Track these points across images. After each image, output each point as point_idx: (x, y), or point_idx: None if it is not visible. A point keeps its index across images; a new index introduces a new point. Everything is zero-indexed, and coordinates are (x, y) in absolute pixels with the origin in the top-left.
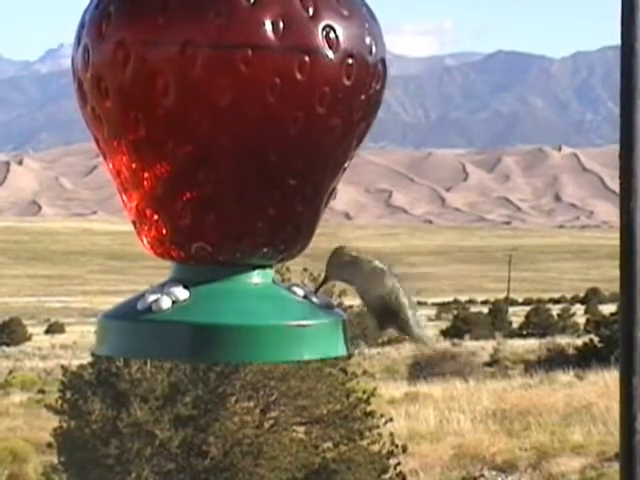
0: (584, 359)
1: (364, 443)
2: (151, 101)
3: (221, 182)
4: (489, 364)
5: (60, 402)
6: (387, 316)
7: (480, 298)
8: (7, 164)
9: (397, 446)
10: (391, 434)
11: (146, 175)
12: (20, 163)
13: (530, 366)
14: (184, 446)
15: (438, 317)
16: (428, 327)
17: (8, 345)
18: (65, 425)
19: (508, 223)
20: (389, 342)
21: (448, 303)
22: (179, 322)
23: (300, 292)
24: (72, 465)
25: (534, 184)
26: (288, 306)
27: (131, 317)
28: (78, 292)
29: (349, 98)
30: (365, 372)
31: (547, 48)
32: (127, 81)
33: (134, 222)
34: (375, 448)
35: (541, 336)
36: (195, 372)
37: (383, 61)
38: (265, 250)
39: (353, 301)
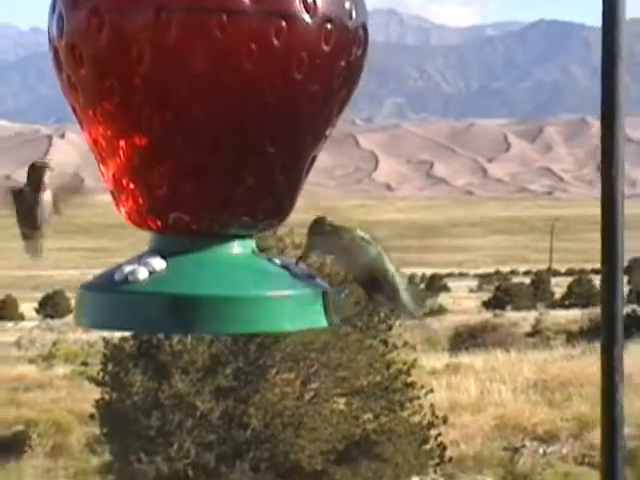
0: (626, 329)
1: (405, 414)
2: (126, 68)
3: (198, 151)
4: (531, 335)
5: (102, 374)
6: (374, 284)
7: (522, 269)
8: (49, 137)
9: (438, 417)
10: (432, 405)
11: (122, 144)
12: (62, 136)
13: (572, 337)
14: (225, 417)
15: (480, 288)
16: (418, 299)
17: (52, 318)
18: (107, 397)
19: (550, 193)
20: (430, 313)
21: (490, 274)
22: (154, 293)
23: (283, 262)
24: (114, 436)
25: (576, 154)
26: (268, 276)
27: (108, 288)
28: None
29: (328, 64)
30: (406, 343)
31: (587, 16)
32: (101, 48)
33: (112, 192)
34: (416, 419)
35: (583, 306)
36: (235, 344)
37: (364, 26)
38: (244, 220)
39: None
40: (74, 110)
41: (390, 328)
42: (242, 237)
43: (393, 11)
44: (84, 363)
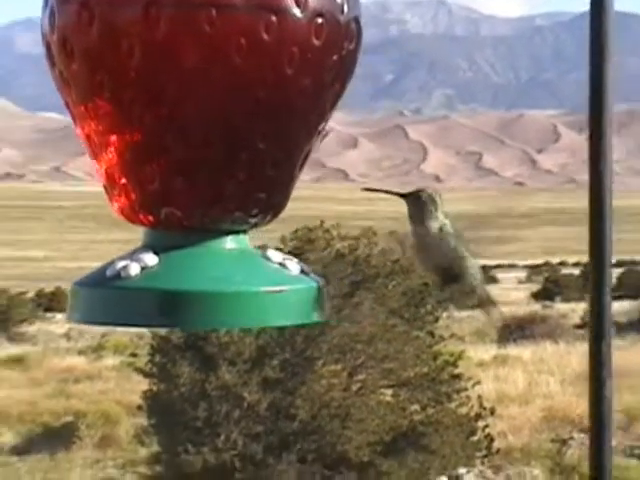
0: None
1: (452, 406)
2: (117, 63)
3: (188, 146)
4: (580, 326)
5: (150, 366)
6: (452, 274)
7: (571, 260)
8: None
9: (485, 409)
10: (479, 397)
11: (114, 139)
12: None
13: (622, 328)
14: (272, 409)
15: (529, 280)
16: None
17: None
18: (155, 388)
19: None
20: (479, 305)
21: (539, 266)
22: (146, 289)
23: (275, 258)
24: (162, 427)
25: (627, 144)
26: (262, 272)
27: (99, 284)
28: None
29: (319, 58)
30: (453, 335)
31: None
32: (92, 42)
33: (105, 187)
34: (463, 411)
35: (634, 298)
36: (282, 335)
37: (357, 20)
38: (237, 215)
39: None
40: (67, 106)
41: (437, 320)
42: (235, 232)
43: (442, 2)
44: (133, 354)
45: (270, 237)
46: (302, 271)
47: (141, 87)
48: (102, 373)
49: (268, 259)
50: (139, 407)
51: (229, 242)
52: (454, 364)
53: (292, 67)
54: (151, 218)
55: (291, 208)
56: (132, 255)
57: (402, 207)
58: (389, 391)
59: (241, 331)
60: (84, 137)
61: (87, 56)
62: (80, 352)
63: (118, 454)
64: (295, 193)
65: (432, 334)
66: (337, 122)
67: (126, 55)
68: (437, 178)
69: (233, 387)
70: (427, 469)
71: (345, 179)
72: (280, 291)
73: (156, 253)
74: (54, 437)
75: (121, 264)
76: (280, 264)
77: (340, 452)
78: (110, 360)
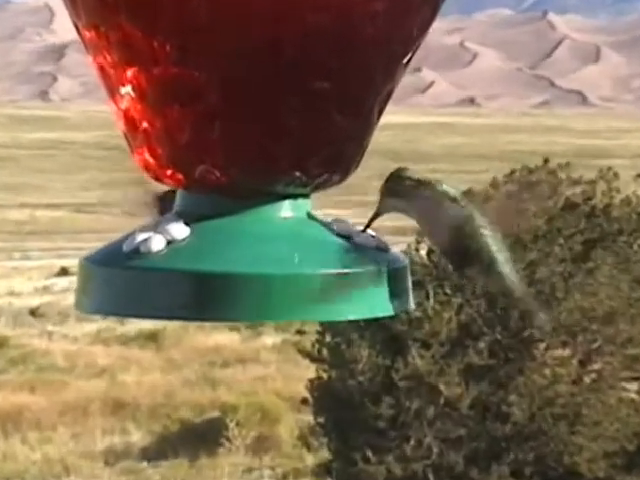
0: None
1: None
2: None
3: (226, 85)
4: None
5: (318, 347)
6: (463, 254)
7: None
8: None
9: None
10: None
11: (132, 74)
12: None
13: None
14: (477, 406)
15: None
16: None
17: None
18: (325, 376)
19: None
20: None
21: None
22: (170, 269)
23: (344, 230)
24: (333, 428)
25: None
26: (322, 249)
27: (111, 262)
28: (356, 203)
29: None
30: None
31: None
32: None
33: (125, 135)
34: None
35: None
36: (492, 309)
37: None
38: (292, 174)
39: None
40: (76, 29)
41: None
42: (292, 197)
43: None
44: (299, 332)
45: (474, 179)
46: (379, 248)
47: (164, 8)
48: (260, 355)
49: (334, 232)
50: (304, 401)
51: (284, 209)
52: None
53: None
54: (181, 177)
55: (508, 142)
56: (156, 225)
57: None
58: (634, 386)
59: (437, 303)
60: (98, 70)
61: None
62: (232, 328)
63: (277, 461)
64: (505, 121)
65: None
66: (572, 27)
67: None
68: None
69: (426, 376)
70: None
71: (581, 103)
72: (348, 274)
73: (187, 223)
74: (196, 437)
75: (142, 236)
76: (349, 238)
77: (567, 464)
78: (269, 338)
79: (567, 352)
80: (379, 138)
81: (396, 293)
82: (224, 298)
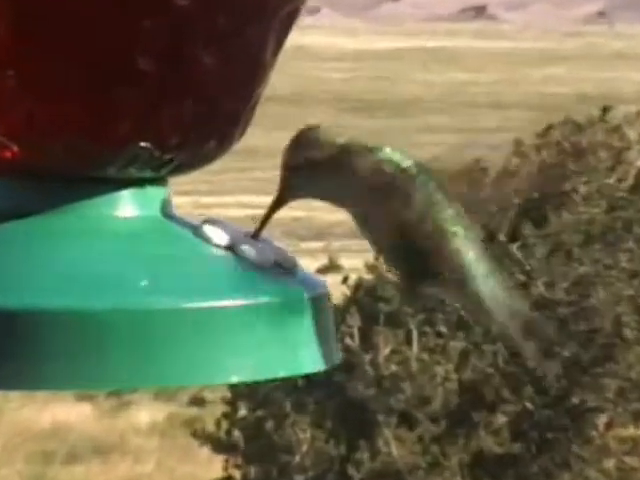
0: None
1: None
2: None
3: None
4: None
5: (226, 427)
6: (420, 262)
7: None
8: None
9: None
10: None
11: None
12: None
13: None
14: None
15: None
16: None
17: None
18: (238, 475)
19: None
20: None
21: None
22: None
23: (222, 237)
24: None
25: None
26: (190, 267)
27: None
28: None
29: None
30: None
31: None
32: None
33: None
34: None
35: None
36: (517, 359)
37: None
38: (141, 146)
39: None
40: None
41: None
42: (137, 184)
43: None
44: (196, 401)
45: (487, 141)
46: (280, 264)
47: None
48: (127, 441)
49: (206, 238)
50: None
51: (122, 204)
52: None
53: None
54: None
55: (542, 79)
56: None
57: None
58: None
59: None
60: None
61: None
62: (80, 395)
63: None
64: (537, 45)
65: None
66: None
67: None
68: None
69: (409, 474)
70: None
71: None
72: (227, 309)
73: None
74: None
75: None
76: (231, 248)
77: None
78: (144, 412)
79: None
80: (330, 77)
81: (310, 339)
82: (25, 352)
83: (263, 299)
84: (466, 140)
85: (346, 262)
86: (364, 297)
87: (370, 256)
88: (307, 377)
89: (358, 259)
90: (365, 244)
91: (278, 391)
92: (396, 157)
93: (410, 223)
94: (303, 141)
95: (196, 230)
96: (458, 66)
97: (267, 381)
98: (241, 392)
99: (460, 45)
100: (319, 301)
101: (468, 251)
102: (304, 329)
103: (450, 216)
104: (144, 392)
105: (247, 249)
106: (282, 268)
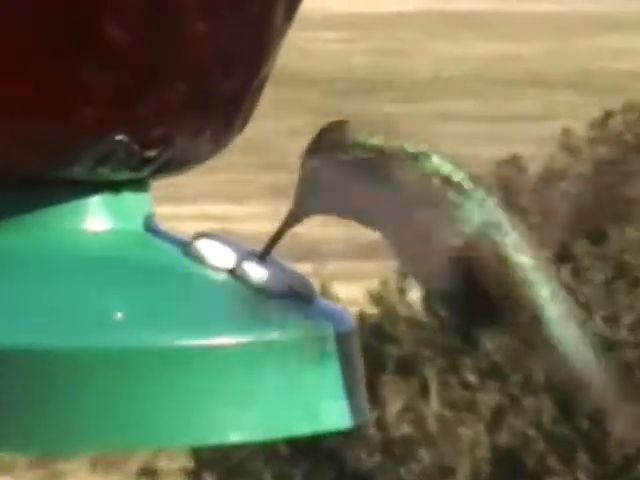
0: None
1: None
2: None
3: None
4: None
5: None
6: (479, 299)
7: None
8: None
9: None
10: None
11: None
12: None
13: None
14: None
15: None
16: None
17: None
18: None
19: None
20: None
21: None
22: None
23: (220, 256)
24: None
25: None
26: (179, 295)
27: None
28: None
29: None
30: None
31: None
32: None
33: None
34: None
35: None
36: (569, 419)
37: None
38: (117, 141)
39: None
40: None
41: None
42: (112, 189)
43: None
44: (146, 471)
45: (524, 133)
46: (296, 291)
47: None
48: None
49: (199, 258)
50: None
51: (93, 215)
52: None
53: None
54: None
55: (597, 51)
56: None
57: None
58: None
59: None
60: None
61: None
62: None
63: None
64: (592, 7)
65: None
66: None
67: None
68: None
69: None
70: None
71: None
72: (227, 348)
73: None
74: None
75: None
76: (232, 271)
77: None
78: None
79: None
80: (321, 49)
81: (336, 387)
82: None
83: (273, 335)
84: (498, 131)
85: (342, 290)
86: (368, 337)
87: (373, 283)
88: (291, 442)
89: (357, 287)
90: (366, 267)
91: (255, 459)
92: (446, 167)
93: (464, 250)
94: (326, 142)
95: (187, 247)
96: (488, 35)
97: (276, 441)
98: (207, 459)
99: (491, 8)
100: (345, 339)
101: (540, 286)
102: (326, 374)
103: (514, 241)
104: (80, 459)
105: (253, 272)
106: (298, 296)
